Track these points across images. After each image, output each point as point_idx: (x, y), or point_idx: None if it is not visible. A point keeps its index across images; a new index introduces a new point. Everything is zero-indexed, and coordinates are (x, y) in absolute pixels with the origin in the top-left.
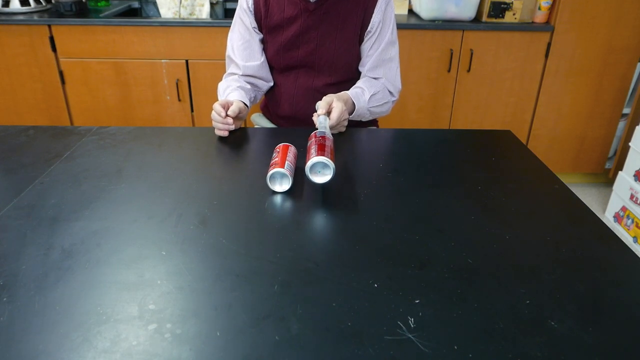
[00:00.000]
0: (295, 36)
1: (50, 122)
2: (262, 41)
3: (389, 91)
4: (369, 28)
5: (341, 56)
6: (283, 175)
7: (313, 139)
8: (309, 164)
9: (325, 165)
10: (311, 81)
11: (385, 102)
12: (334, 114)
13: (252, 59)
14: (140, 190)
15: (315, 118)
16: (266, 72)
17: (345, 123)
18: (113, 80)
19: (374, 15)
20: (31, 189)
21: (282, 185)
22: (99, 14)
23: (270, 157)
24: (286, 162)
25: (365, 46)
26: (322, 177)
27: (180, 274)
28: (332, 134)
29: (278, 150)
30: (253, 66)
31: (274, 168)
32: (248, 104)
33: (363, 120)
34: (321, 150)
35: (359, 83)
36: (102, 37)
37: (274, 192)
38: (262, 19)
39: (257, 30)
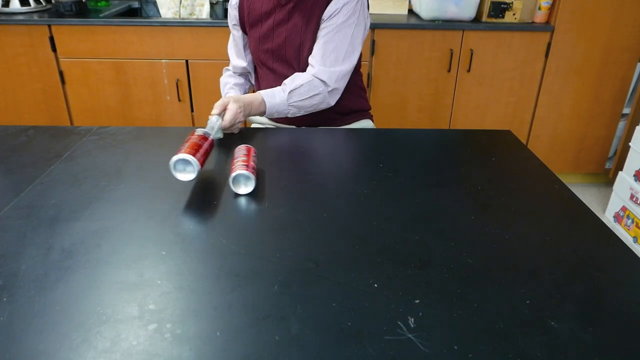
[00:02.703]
0: (269, 30)
1: (50, 122)
2: (244, 37)
3: (320, 80)
4: (322, 16)
5: (307, 48)
6: (247, 178)
7: (191, 136)
8: (174, 158)
9: (187, 163)
10: (287, 72)
11: (314, 94)
12: (227, 116)
13: (239, 56)
14: (140, 190)
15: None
16: (252, 67)
17: (239, 125)
18: (113, 80)
19: (330, 5)
20: (31, 189)
21: (247, 187)
22: (99, 14)
23: (269, 158)
24: (251, 164)
25: (318, 34)
26: (184, 175)
27: (180, 274)
28: (223, 135)
29: (242, 151)
30: (240, 65)
31: (237, 170)
32: None
33: (297, 115)
34: (191, 148)
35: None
36: (102, 37)
37: (273, 192)
38: (245, 15)
39: (237, 27)
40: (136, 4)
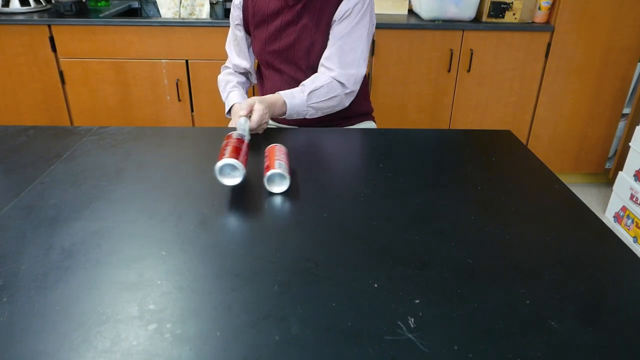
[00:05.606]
0: (276, 31)
1: (50, 122)
2: (247, 37)
3: (340, 82)
4: (334, 17)
5: (318, 49)
6: (281, 176)
7: (229, 140)
8: (219, 164)
9: (234, 168)
10: (294, 74)
11: (333, 96)
12: (255, 117)
13: (242, 56)
14: (140, 190)
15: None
16: (254, 67)
17: (265, 126)
18: (113, 80)
19: (341, 5)
20: (31, 189)
21: (281, 187)
22: (99, 14)
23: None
24: (277, 161)
25: (330, 34)
26: (230, 179)
27: (180, 274)
28: (251, 136)
29: (267, 153)
30: (242, 65)
31: (269, 170)
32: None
33: (314, 116)
34: (234, 153)
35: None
36: (102, 37)
37: (272, 193)
38: (250, 15)
39: (239, 28)
40: (136, 4)
